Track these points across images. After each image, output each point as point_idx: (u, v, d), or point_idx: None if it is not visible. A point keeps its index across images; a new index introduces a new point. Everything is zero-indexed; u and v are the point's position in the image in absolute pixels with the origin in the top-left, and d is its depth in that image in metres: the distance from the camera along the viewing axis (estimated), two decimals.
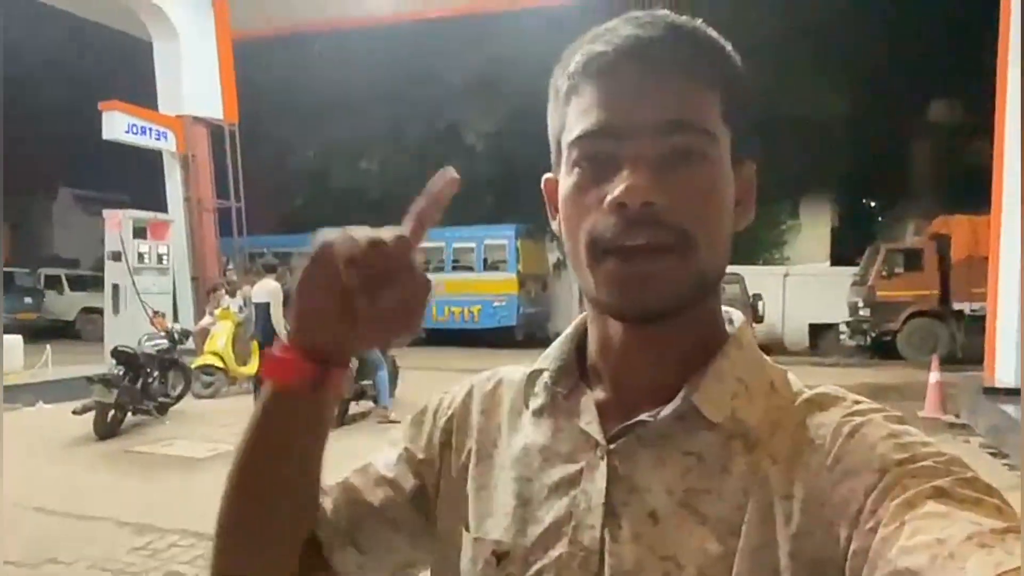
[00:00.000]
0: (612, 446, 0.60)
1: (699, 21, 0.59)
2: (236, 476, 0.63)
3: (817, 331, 17.11)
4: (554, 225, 0.64)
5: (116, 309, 10.55)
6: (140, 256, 10.78)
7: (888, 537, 0.46)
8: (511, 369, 0.73)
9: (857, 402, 0.58)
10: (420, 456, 0.71)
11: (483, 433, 0.69)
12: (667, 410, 0.58)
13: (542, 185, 0.67)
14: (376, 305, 0.54)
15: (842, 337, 15.60)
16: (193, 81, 11.55)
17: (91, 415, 7.32)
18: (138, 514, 5.15)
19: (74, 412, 7.29)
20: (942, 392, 8.64)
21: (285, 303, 8.88)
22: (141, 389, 7.73)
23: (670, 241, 0.55)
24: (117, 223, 10.59)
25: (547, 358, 0.68)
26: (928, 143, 19.97)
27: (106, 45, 15.96)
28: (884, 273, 14.34)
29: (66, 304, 19.69)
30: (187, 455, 6.91)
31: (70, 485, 5.96)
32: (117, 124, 10.52)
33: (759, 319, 16.06)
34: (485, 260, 17.51)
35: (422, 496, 0.70)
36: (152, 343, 8.07)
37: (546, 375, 0.66)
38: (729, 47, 0.60)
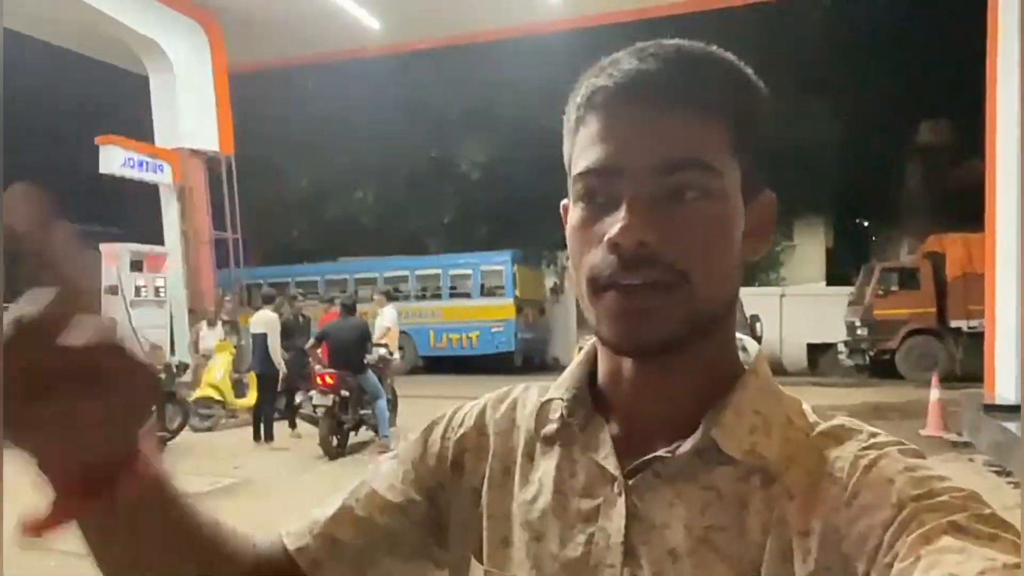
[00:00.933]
0: (630, 482, 0.59)
1: (713, 47, 0.58)
2: None
3: (815, 351, 17.12)
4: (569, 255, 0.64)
5: None
6: (137, 290, 10.76)
7: (903, 571, 0.46)
8: (526, 388, 0.72)
9: (873, 435, 0.57)
10: (428, 478, 0.69)
11: (497, 458, 0.67)
12: (686, 445, 0.57)
13: (561, 211, 0.66)
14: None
15: (841, 357, 15.61)
16: (189, 114, 11.64)
17: None
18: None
19: None
20: (943, 410, 8.63)
21: (282, 333, 8.87)
22: None
23: (666, 279, 0.55)
24: (114, 257, 10.59)
25: (560, 387, 0.66)
26: (919, 163, 20.18)
27: (100, 79, 16.10)
28: (880, 292, 14.40)
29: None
30: (189, 490, 6.82)
31: (68, 524, 5.89)
32: (114, 158, 10.58)
33: (757, 340, 16.05)
34: (482, 286, 17.54)
35: (432, 519, 0.68)
36: None
37: (561, 406, 0.65)
38: (747, 73, 0.59)
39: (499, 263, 17.25)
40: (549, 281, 19.27)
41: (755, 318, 15.95)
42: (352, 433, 8.30)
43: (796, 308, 17.23)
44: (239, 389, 10.08)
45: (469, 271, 17.63)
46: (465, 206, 21.45)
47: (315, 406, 7.95)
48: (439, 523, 0.68)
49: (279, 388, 8.97)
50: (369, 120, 19.50)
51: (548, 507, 0.62)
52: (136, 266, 10.91)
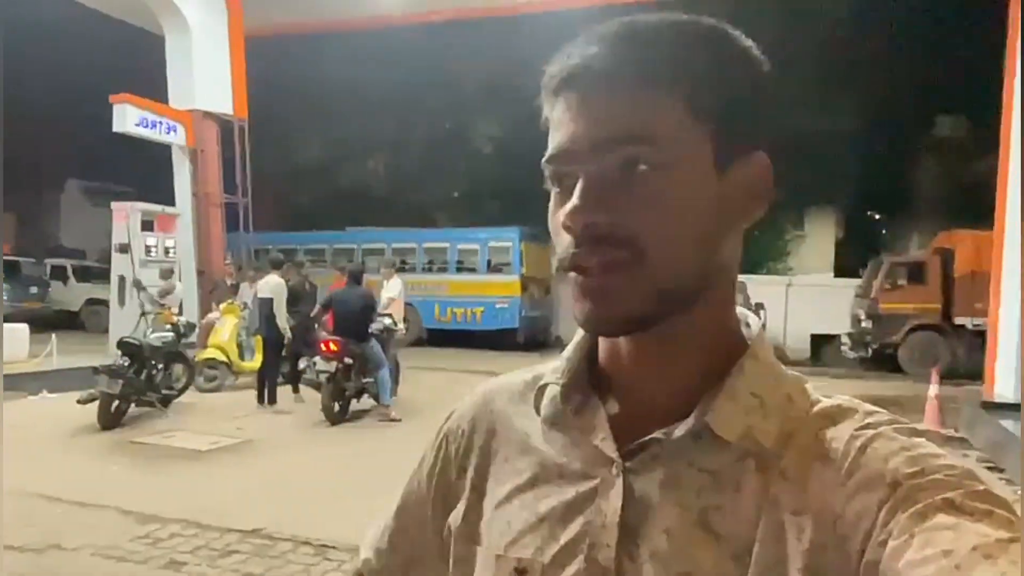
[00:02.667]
0: (627, 463, 0.60)
1: (677, 15, 0.57)
2: None
3: (819, 342, 17.14)
4: None
5: (122, 301, 10.61)
6: (147, 249, 10.85)
7: (898, 549, 0.47)
8: (503, 380, 0.73)
9: (869, 414, 0.57)
10: (447, 483, 0.72)
11: (497, 452, 0.69)
12: (680, 429, 0.57)
13: None
14: None
15: (843, 348, 15.61)
16: (204, 76, 11.61)
17: (95, 405, 7.38)
18: (140, 504, 5.20)
19: (78, 401, 7.35)
20: (941, 405, 8.67)
21: (289, 299, 8.96)
22: (145, 381, 7.79)
23: (621, 257, 0.55)
24: (125, 216, 10.66)
25: (556, 371, 0.67)
26: (934, 158, 20.01)
27: (117, 38, 16.06)
28: (887, 286, 14.36)
29: (71, 295, 19.75)
30: (189, 447, 6.97)
31: (73, 473, 6.02)
32: (128, 117, 10.59)
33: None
34: (489, 262, 17.57)
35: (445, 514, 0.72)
36: (157, 335, 8.12)
37: (557, 389, 0.65)
38: (714, 34, 0.57)
39: (507, 239, 17.25)
40: (555, 260, 19.30)
41: (759, 306, 15.99)
42: (354, 400, 8.41)
43: (802, 298, 17.21)
44: (244, 352, 10.21)
45: (477, 246, 17.65)
46: (476, 180, 21.41)
47: (319, 372, 8.06)
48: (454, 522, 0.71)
49: (284, 353, 9.08)
50: (384, 90, 19.42)
51: (549, 490, 0.63)
52: (147, 226, 10.99)
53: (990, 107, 9.91)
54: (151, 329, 8.09)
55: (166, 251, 11.01)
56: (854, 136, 18.67)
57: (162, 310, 9.76)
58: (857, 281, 16.20)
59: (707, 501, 0.56)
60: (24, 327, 10.59)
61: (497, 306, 17.14)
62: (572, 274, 0.57)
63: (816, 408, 0.58)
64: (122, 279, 10.66)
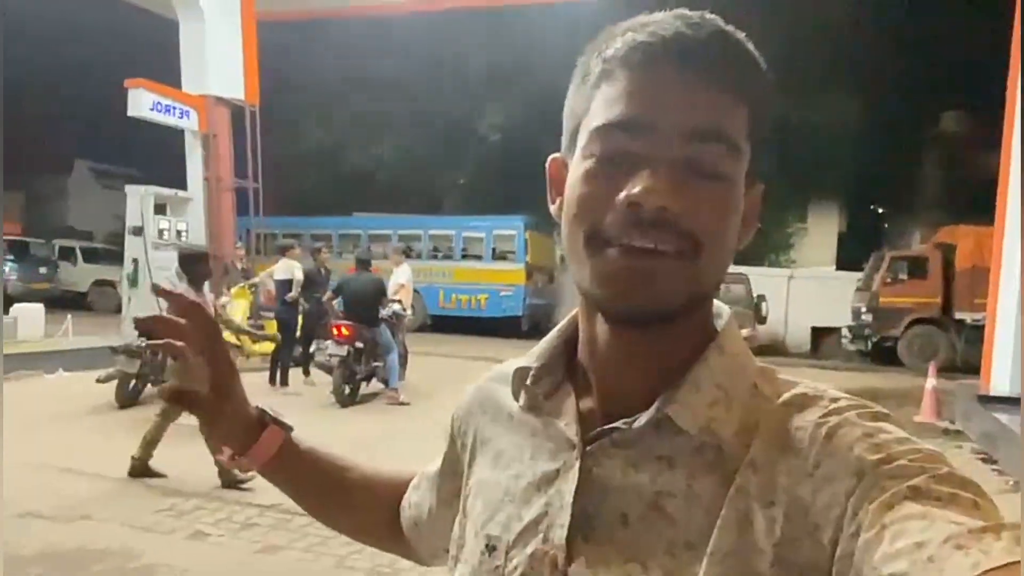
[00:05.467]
0: (588, 448, 0.61)
1: (743, 35, 0.58)
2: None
3: (819, 334, 17.29)
4: (553, 208, 0.64)
5: (134, 282, 10.79)
6: (160, 232, 11.01)
7: (870, 542, 0.47)
8: (504, 364, 0.75)
9: (834, 400, 0.57)
10: (454, 458, 0.78)
11: (483, 432, 0.72)
12: (642, 420, 0.58)
13: (547, 165, 0.66)
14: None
15: (844, 341, 15.76)
16: (217, 61, 11.73)
17: (112, 384, 7.57)
18: (161, 478, 5.40)
19: (98, 380, 7.53)
20: (937, 398, 8.84)
21: (303, 284, 9.14)
22: (161, 361, 7.97)
23: (678, 248, 0.54)
24: (139, 199, 10.82)
25: (532, 355, 0.68)
26: (938, 153, 20.09)
27: (126, 21, 16.14)
28: (888, 280, 14.50)
29: (79, 275, 19.95)
30: None
31: (95, 449, 6.21)
32: (142, 101, 10.73)
33: (763, 320, 16.27)
34: (494, 250, 17.71)
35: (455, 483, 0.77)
36: None
37: (531, 373, 0.67)
38: (765, 67, 0.59)
39: (512, 228, 17.39)
40: (560, 249, 19.44)
41: (761, 298, 16.16)
42: (364, 383, 8.60)
43: (803, 290, 17.36)
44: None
45: (482, 234, 17.79)
46: (482, 168, 21.50)
47: (330, 355, 8.24)
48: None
49: (296, 336, 9.27)
50: (391, 77, 19.51)
51: (520, 470, 0.65)
52: (160, 209, 11.14)
53: (993, 103, 10.02)
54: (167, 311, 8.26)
55: (178, 234, 11.16)
56: (858, 130, 18.76)
57: None
58: (859, 275, 16.34)
59: (663, 487, 0.57)
60: (40, 307, 10.77)
61: (501, 294, 17.32)
62: (610, 250, 0.55)
63: (783, 397, 0.58)
64: (135, 261, 10.83)
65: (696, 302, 0.59)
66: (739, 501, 0.54)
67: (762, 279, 16.83)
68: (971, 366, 11.89)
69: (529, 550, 0.61)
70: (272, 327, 9.48)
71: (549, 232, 19.03)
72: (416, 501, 0.84)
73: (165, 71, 11.81)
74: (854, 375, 13.39)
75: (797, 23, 16.99)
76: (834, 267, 20.10)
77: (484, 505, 0.67)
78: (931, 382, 8.93)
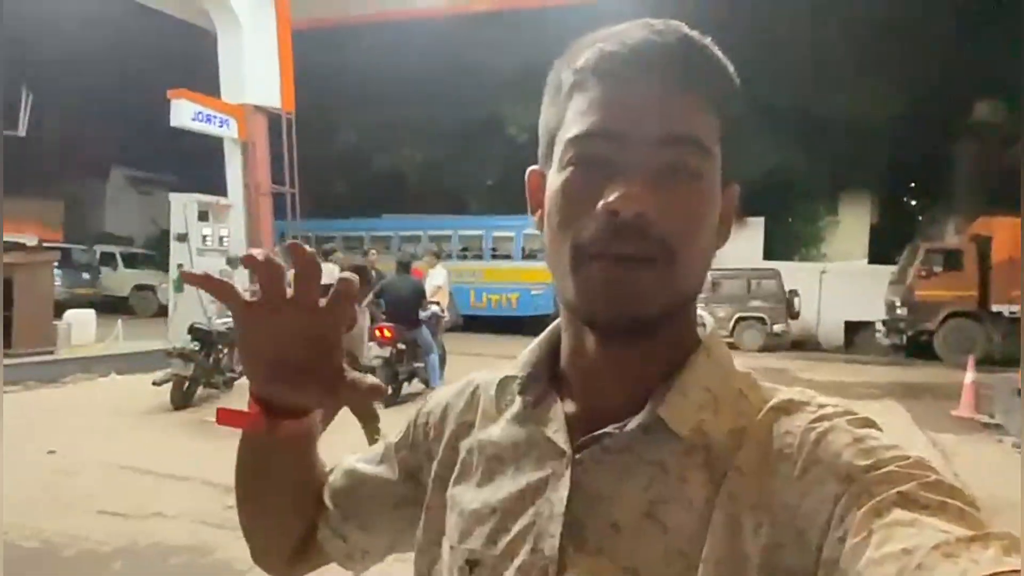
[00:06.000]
0: (577, 456, 0.60)
1: (708, 39, 0.59)
2: (236, 488, 0.76)
3: (853, 329, 17.20)
4: (534, 220, 0.65)
5: (179, 287, 11.11)
6: (203, 238, 11.33)
7: (857, 547, 0.46)
8: (486, 375, 0.74)
9: (822, 406, 0.57)
10: (409, 460, 0.75)
11: (460, 443, 0.70)
12: (632, 423, 0.58)
13: (526, 178, 0.67)
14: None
15: (878, 336, 15.66)
16: (254, 71, 12.02)
17: (166, 386, 7.86)
18: (222, 476, 5.60)
19: (154, 383, 7.82)
20: (976, 392, 8.81)
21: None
22: (213, 364, 8.25)
23: (653, 254, 0.55)
24: (183, 206, 11.14)
25: (517, 365, 0.68)
26: (972, 143, 19.82)
27: (159, 31, 16.54)
28: (923, 273, 14.40)
29: (120, 280, 20.47)
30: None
31: (155, 448, 6.47)
32: (185, 112, 11.04)
33: (795, 315, 16.25)
34: (523, 249, 17.87)
35: (411, 498, 0.74)
36: (222, 321, 8.57)
37: (517, 382, 0.67)
38: (731, 68, 0.60)
39: None
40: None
41: (794, 293, 16.13)
42: (406, 383, 8.82)
43: (836, 285, 17.27)
44: None
45: (512, 233, 17.96)
46: (510, 169, 21.64)
47: (374, 357, 8.46)
48: (419, 500, 0.72)
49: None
50: (419, 79, 19.71)
51: (504, 481, 0.64)
52: (202, 216, 11.46)
53: None
54: (216, 315, 8.53)
55: (220, 240, 11.47)
56: (890, 121, 18.58)
57: None
58: (892, 268, 16.22)
59: (656, 494, 0.56)
60: (91, 312, 11.14)
61: (532, 292, 17.47)
62: (594, 263, 0.56)
63: (771, 402, 0.59)
64: (180, 267, 11.15)
65: (677, 308, 0.59)
66: (728, 506, 0.54)
67: (794, 273, 16.79)
68: (1009, 359, 11.79)
69: (518, 562, 0.60)
70: None
71: None
72: (355, 500, 0.77)
73: (201, 81, 12.11)
74: (889, 370, 13.33)
75: (828, 14, 16.89)
76: (866, 260, 19.93)
77: (461, 519, 0.65)
78: (970, 376, 8.90)
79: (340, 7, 14.30)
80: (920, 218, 24.04)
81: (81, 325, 10.43)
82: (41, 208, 22.68)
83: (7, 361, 9.12)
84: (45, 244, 17.81)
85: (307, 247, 0.59)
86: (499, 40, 19.02)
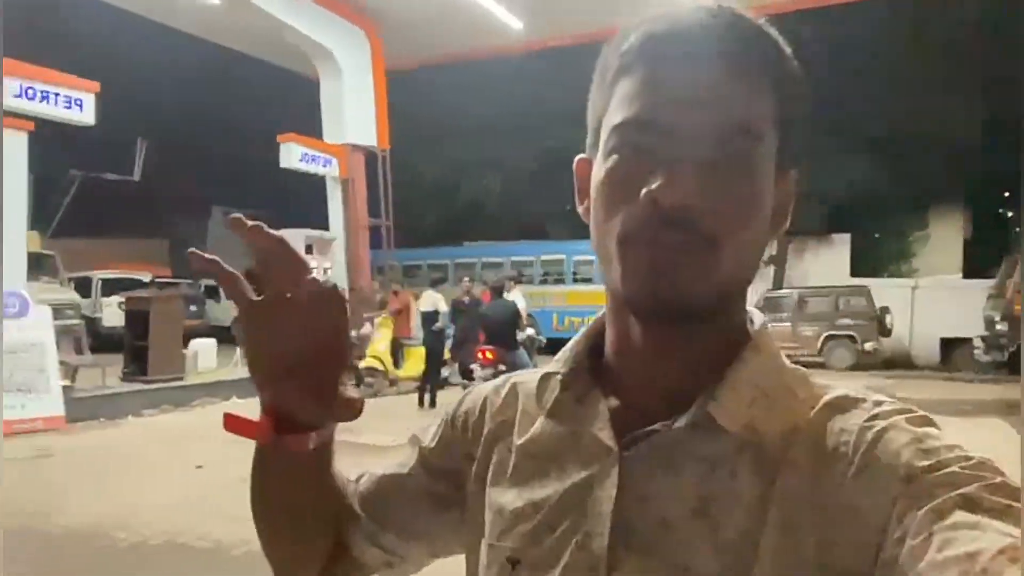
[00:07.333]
0: (625, 453, 0.59)
1: (763, 19, 0.57)
2: (252, 504, 0.71)
3: (949, 346, 16.65)
4: (580, 210, 0.63)
5: None
6: None
7: (917, 549, 0.45)
8: (524, 373, 0.73)
9: (878, 403, 0.56)
10: (441, 459, 0.73)
11: (499, 442, 0.69)
12: (682, 420, 0.57)
13: (574, 166, 0.65)
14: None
15: (976, 352, 15.14)
16: (353, 112, 12.87)
17: None
18: None
19: None
20: None
21: (451, 312, 9.93)
22: None
23: (701, 243, 0.53)
24: (292, 240, 11.98)
25: (559, 361, 0.67)
26: None
27: (261, 78, 17.78)
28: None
29: (223, 311, 21.75)
30: (374, 443, 7.94)
31: None
32: (293, 154, 11.94)
33: (886, 332, 15.91)
34: None
35: (451, 500, 0.72)
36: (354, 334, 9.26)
37: (558, 379, 0.65)
38: (790, 53, 0.58)
39: None
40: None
41: (885, 310, 15.81)
42: None
43: (929, 300, 16.79)
44: (397, 360, 11.29)
45: (593, 257, 18.21)
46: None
47: (477, 378, 8.93)
48: (458, 501, 0.71)
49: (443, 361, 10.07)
50: (499, 111, 20.40)
51: (547, 480, 0.63)
52: (307, 250, 12.29)
53: None
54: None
55: (324, 271, 12.25)
56: (983, 129, 18.08)
57: None
58: (988, 282, 15.70)
59: (706, 491, 0.55)
60: (212, 341, 12.09)
61: None
62: (640, 248, 0.54)
63: (824, 399, 0.57)
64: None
65: (725, 297, 0.57)
66: (783, 504, 0.53)
67: (884, 290, 16.46)
68: None
69: (564, 561, 0.59)
70: (418, 354, 10.30)
71: None
72: (391, 507, 0.75)
73: (295, 124, 13.01)
74: (990, 387, 12.91)
75: (916, 28, 16.69)
76: (961, 275, 19.28)
77: (502, 517, 0.64)
78: None
79: (425, 50, 15.10)
80: (1017, 229, 23.07)
81: (204, 353, 11.32)
82: (150, 246, 24.50)
83: (145, 387, 10.04)
84: (157, 279, 19.24)
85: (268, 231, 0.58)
86: (576, 72, 19.48)
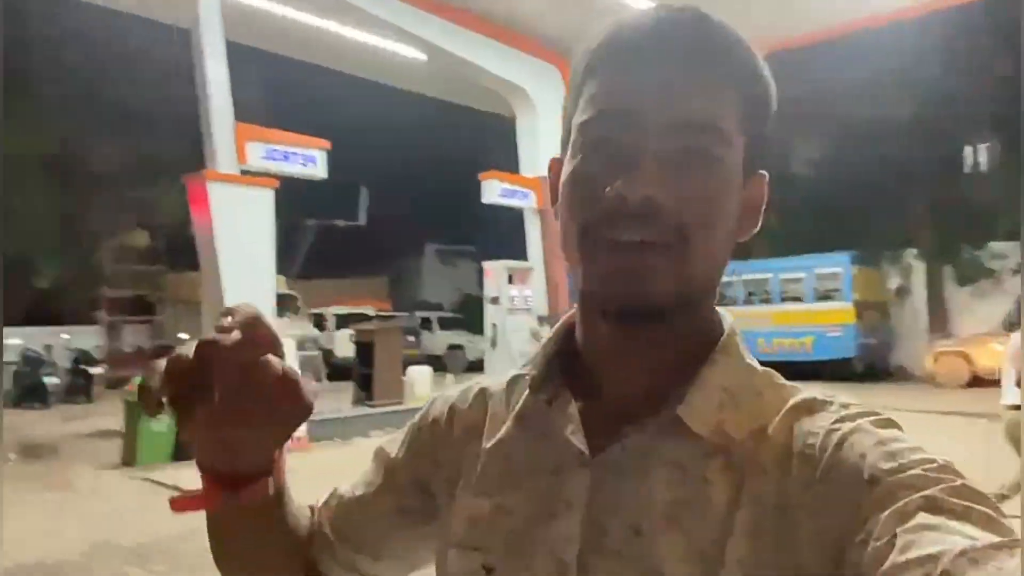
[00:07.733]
0: (596, 457, 0.58)
1: (725, 21, 0.57)
2: (214, 558, 0.70)
3: None
4: (554, 210, 0.63)
5: (494, 344, 12.59)
6: (511, 299, 12.75)
7: (880, 551, 0.45)
8: (492, 378, 0.73)
9: (844, 406, 0.56)
10: (413, 471, 0.72)
11: (467, 447, 0.68)
12: (651, 424, 0.57)
13: (548, 167, 0.66)
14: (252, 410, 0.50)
15: None
16: (548, 145, 13.39)
17: None
18: None
19: None
20: None
21: None
22: None
23: (666, 239, 0.54)
24: (495, 272, 12.71)
25: (528, 363, 0.66)
26: None
27: (457, 122, 19.05)
28: None
29: (436, 341, 23.41)
30: None
31: None
32: (494, 190, 12.67)
33: None
34: (815, 289, 17.04)
35: (421, 509, 0.71)
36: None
37: (527, 380, 0.65)
38: (758, 57, 0.58)
39: (837, 265, 16.65)
40: (894, 282, 17.99)
41: None
42: None
43: None
44: None
45: (801, 275, 17.25)
46: (796, 205, 20.88)
47: None
48: (429, 512, 0.70)
49: None
50: None
51: (518, 484, 0.62)
52: (509, 280, 12.92)
53: None
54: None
55: (525, 300, 12.80)
56: None
57: None
58: None
59: (677, 495, 0.55)
60: (428, 369, 13.03)
61: (829, 335, 16.50)
62: (601, 248, 0.55)
63: (791, 401, 0.57)
64: (495, 327, 12.65)
65: (692, 297, 0.57)
66: (750, 507, 0.53)
67: None
68: None
69: (535, 567, 0.58)
70: None
71: (877, 265, 17.75)
72: (361, 528, 0.74)
73: (495, 160, 13.77)
74: None
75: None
76: None
77: (473, 524, 0.63)
78: None
79: None
80: None
81: (420, 380, 12.25)
82: (372, 283, 27.00)
83: (371, 411, 11.08)
84: (379, 313, 21.17)
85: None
86: (779, 75, 18.74)
